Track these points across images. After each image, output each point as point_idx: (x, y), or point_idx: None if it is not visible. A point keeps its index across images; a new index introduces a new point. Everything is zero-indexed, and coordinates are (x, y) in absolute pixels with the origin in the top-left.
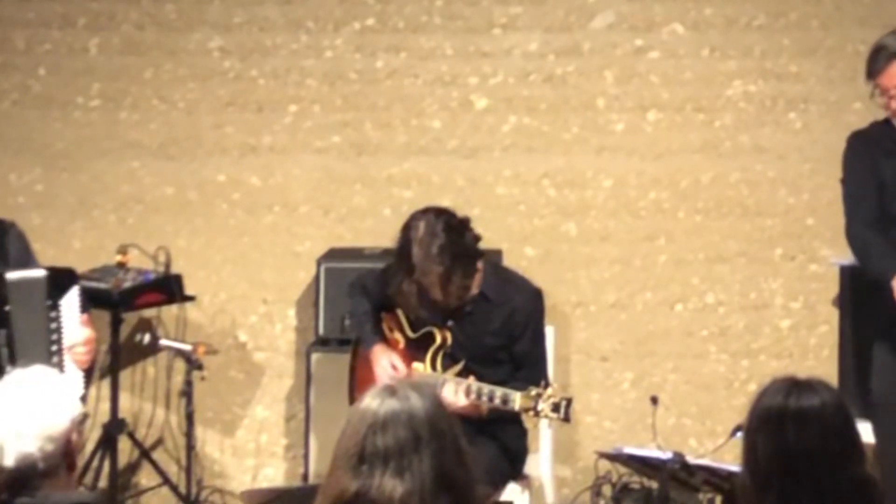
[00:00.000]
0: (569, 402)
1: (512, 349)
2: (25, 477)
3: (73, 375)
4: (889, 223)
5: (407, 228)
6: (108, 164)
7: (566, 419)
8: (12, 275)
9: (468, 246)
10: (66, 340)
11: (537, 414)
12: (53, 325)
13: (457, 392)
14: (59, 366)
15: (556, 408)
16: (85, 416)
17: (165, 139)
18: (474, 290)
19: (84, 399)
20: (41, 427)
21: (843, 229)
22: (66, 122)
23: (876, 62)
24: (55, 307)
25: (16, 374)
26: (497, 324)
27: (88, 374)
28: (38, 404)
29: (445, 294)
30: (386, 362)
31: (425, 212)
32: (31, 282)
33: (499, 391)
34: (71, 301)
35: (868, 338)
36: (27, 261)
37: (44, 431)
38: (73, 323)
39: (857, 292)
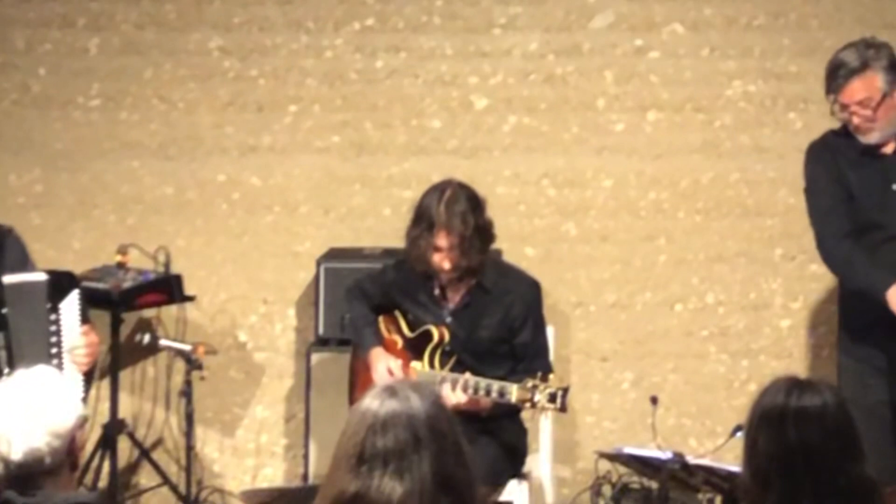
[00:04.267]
0: (565, 391)
1: (513, 342)
2: (31, 472)
3: (73, 378)
4: (859, 232)
5: (431, 191)
6: (108, 164)
7: (563, 409)
8: (9, 278)
9: (488, 220)
10: (66, 343)
11: (534, 405)
12: (53, 329)
13: (454, 389)
14: (59, 368)
15: (552, 398)
16: (85, 419)
17: (165, 139)
18: (471, 281)
19: (84, 402)
20: (49, 423)
21: (815, 240)
22: (66, 122)
23: (835, 79)
24: (55, 310)
25: (22, 373)
26: (496, 316)
27: (88, 379)
28: (46, 401)
29: (462, 256)
30: (383, 367)
31: (449, 181)
32: (31, 285)
33: (495, 384)
34: (71, 304)
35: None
36: (24, 267)
37: (51, 427)
38: (74, 326)
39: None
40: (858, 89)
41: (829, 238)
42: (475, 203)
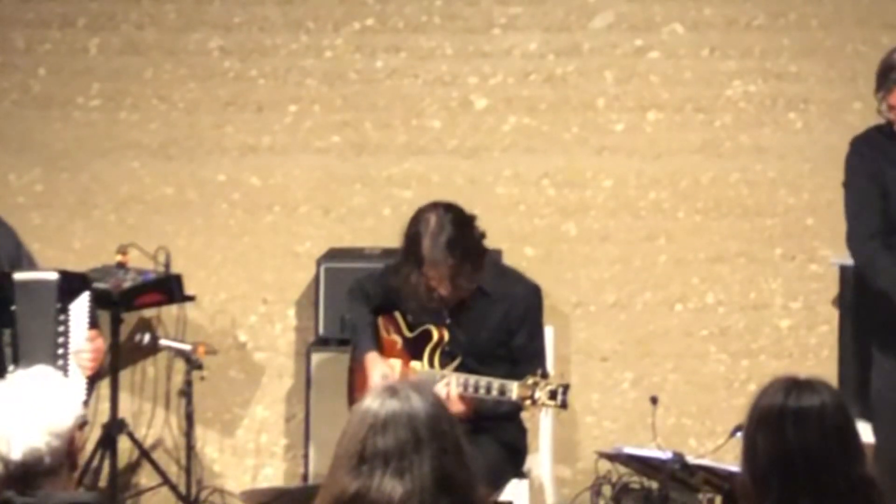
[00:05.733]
0: (565, 388)
1: (510, 344)
2: (30, 472)
3: (77, 380)
4: (891, 231)
5: (416, 221)
6: (108, 164)
7: (563, 406)
8: (20, 275)
9: (476, 241)
10: (73, 345)
11: (534, 402)
12: (61, 329)
13: (449, 386)
14: (64, 369)
15: (552, 395)
16: (85, 420)
17: (165, 139)
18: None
19: (86, 405)
20: (48, 422)
21: (845, 235)
22: (66, 122)
23: (886, 79)
24: (64, 311)
25: (21, 373)
26: (495, 319)
27: (91, 383)
28: (45, 401)
29: (454, 287)
30: (378, 374)
31: (434, 206)
32: (41, 284)
33: (496, 382)
34: (81, 306)
35: (868, 338)
36: (18, 256)
37: (51, 427)
38: (82, 328)
39: (857, 292)
40: None
41: (857, 236)
42: (461, 227)
